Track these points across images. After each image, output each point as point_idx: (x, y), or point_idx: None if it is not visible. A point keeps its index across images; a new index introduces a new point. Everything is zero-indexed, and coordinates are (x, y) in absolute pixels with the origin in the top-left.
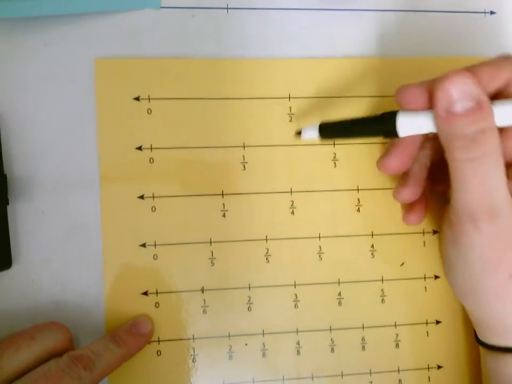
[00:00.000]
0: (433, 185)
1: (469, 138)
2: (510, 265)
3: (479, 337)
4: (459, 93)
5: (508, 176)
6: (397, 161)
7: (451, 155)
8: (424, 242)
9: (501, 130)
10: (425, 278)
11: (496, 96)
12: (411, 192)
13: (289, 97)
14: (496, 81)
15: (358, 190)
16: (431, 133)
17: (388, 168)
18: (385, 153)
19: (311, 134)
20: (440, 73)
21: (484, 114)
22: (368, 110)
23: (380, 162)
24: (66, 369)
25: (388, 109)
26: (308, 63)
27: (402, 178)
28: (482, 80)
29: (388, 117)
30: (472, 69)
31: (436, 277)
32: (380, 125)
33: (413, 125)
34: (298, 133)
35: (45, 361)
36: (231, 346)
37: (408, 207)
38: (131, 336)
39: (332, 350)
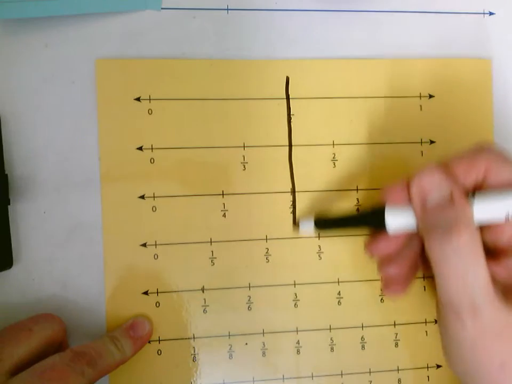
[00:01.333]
0: (427, 269)
1: (442, 231)
2: (500, 354)
3: None
4: (430, 187)
5: (500, 262)
6: (386, 245)
7: (428, 249)
8: None
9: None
10: (424, 277)
11: (477, 187)
12: (395, 271)
13: (289, 98)
14: (473, 173)
15: (357, 190)
16: None
17: (377, 252)
18: (374, 237)
19: (308, 226)
20: (440, 74)
21: (456, 207)
22: (367, 111)
23: (369, 247)
24: (71, 364)
25: (386, 110)
26: (307, 64)
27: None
28: (458, 173)
29: (377, 214)
30: (447, 163)
31: None
32: (370, 222)
33: (400, 222)
34: (296, 225)
35: (43, 351)
36: (231, 346)
37: (389, 279)
38: (129, 339)
39: (332, 349)
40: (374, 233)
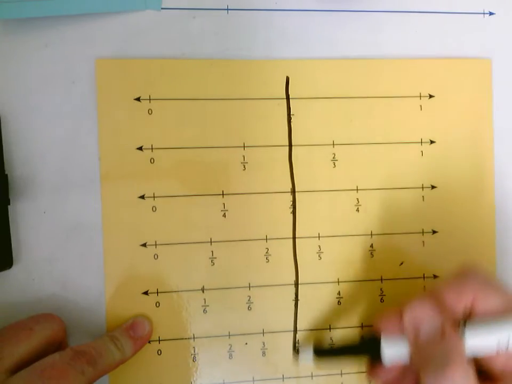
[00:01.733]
0: None
1: (436, 366)
2: None
3: None
4: (421, 319)
5: None
6: (385, 373)
7: (423, 382)
8: (423, 242)
9: None
10: (424, 277)
11: (467, 314)
12: None
13: (289, 98)
14: (462, 301)
15: (357, 190)
16: None
17: (378, 380)
18: (374, 364)
19: (308, 355)
20: (440, 74)
21: (447, 341)
22: (367, 111)
23: (370, 374)
24: (71, 362)
25: (386, 110)
26: (307, 64)
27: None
28: (448, 301)
29: (374, 345)
30: (436, 292)
31: (435, 277)
32: (367, 352)
33: (396, 353)
34: (296, 353)
35: (43, 350)
36: (231, 346)
37: None
38: (129, 339)
39: None
40: (374, 360)
